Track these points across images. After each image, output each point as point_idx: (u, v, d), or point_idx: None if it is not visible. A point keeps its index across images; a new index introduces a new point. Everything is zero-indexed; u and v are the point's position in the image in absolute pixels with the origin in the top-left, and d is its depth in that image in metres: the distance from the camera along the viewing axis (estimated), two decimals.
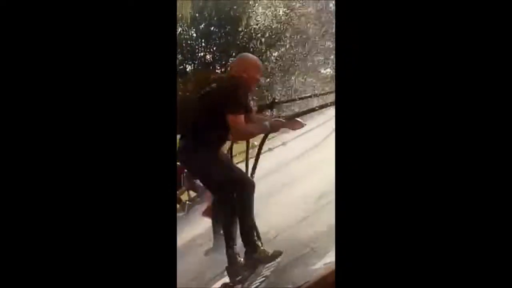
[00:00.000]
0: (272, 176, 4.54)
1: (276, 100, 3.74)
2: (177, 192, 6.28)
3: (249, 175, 3.27)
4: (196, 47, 22.14)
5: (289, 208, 2.55)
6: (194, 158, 2.60)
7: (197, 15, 21.34)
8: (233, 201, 2.56)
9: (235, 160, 3.61)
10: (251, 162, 3.17)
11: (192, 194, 6.64)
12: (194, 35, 22.02)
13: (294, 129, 2.80)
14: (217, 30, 22.09)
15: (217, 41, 22.04)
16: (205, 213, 4.14)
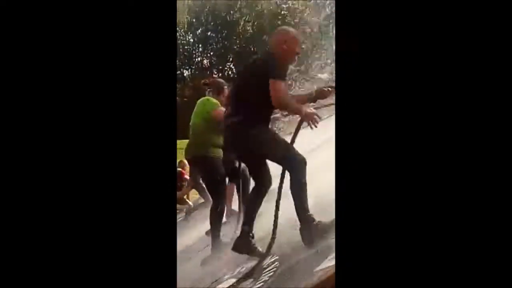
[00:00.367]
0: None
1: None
2: (180, 191, 6.28)
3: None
4: (193, 52, 22.23)
5: (289, 210, 2.53)
6: (247, 134, 2.52)
7: (193, 20, 21.45)
8: (261, 184, 2.57)
9: None
10: None
11: (191, 197, 6.63)
12: (191, 40, 22.12)
13: (325, 97, 2.76)
14: (214, 35, 22.20)
15: (214, 46, 22.14)
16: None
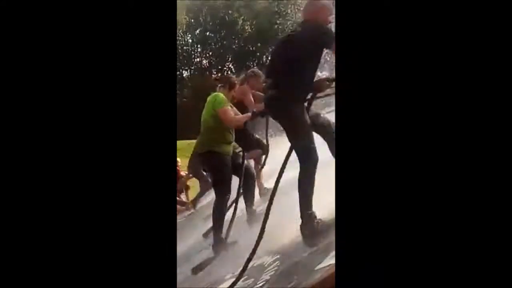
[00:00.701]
0: (273, 179, 4.50)
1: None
2: (181, 179, 6.27)
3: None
4: (192, 52, 22.21)
5: (289, 212, 2.53)
6: (285, 109, 2.50)
7: (192, 20, 21.44)
8: (307, 161, 2.44)
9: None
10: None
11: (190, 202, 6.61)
12: (190, 40, 22.10)
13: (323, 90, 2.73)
14: (212, 35, 22.19)
15: (213, 46, 22.12)
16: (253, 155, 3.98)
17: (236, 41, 21.74)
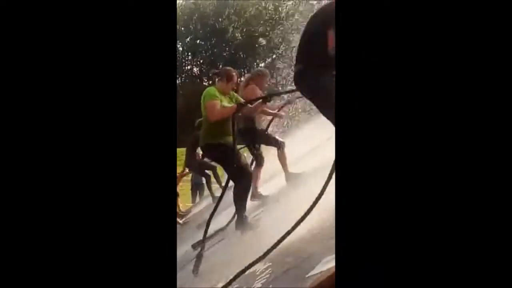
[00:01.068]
0: (273, 180, 4.48)
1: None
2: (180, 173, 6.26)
3: None
4: (183, 60, 22.25)
5: (288, 213, 2.53)
6: (314, 82, 2.47)
7: (182, 29, 21.50)
8: None
9: None
10: None
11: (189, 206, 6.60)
12: (180, 49, 22.14)
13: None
14: (203, 43, 22.25)
15: (204, 54, 22.18)
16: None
17: (227, 48, 21.82)
